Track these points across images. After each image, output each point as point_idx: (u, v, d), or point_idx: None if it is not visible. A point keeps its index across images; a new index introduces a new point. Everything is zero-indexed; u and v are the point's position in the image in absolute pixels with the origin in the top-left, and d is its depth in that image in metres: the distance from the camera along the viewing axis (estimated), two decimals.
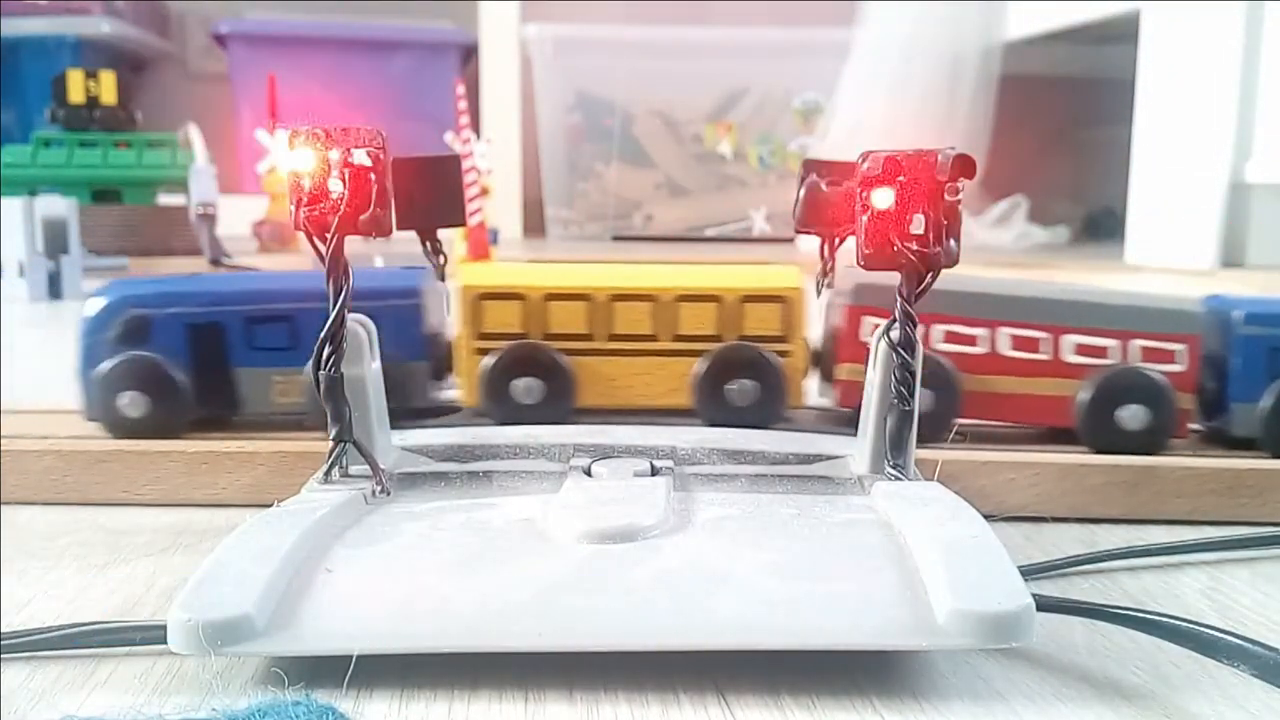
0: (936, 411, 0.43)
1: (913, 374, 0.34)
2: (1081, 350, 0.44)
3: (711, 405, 0.44)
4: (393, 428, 0.41)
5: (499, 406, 0.44)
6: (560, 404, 0.44)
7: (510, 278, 0.44)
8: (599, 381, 0.44)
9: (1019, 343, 0.44)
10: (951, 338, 0.44)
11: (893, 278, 0.43)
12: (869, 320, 0.44)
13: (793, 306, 0.44)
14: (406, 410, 0.44)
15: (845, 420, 0.44)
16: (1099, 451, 0.42)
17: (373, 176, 0.32)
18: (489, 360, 0.44)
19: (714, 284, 0.44)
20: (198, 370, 0.43)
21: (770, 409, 0.44)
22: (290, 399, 0.44)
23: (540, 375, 0.44)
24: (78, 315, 0.44)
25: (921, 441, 0.42)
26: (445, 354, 0.46)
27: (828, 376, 0.46)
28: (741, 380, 0.43)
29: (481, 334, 0.44)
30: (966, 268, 0.34)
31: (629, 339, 0.44)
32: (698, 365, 0.44)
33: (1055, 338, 0.44)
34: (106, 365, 0.43)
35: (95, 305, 0.44)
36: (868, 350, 0.43)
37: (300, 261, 1.49)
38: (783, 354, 0.44)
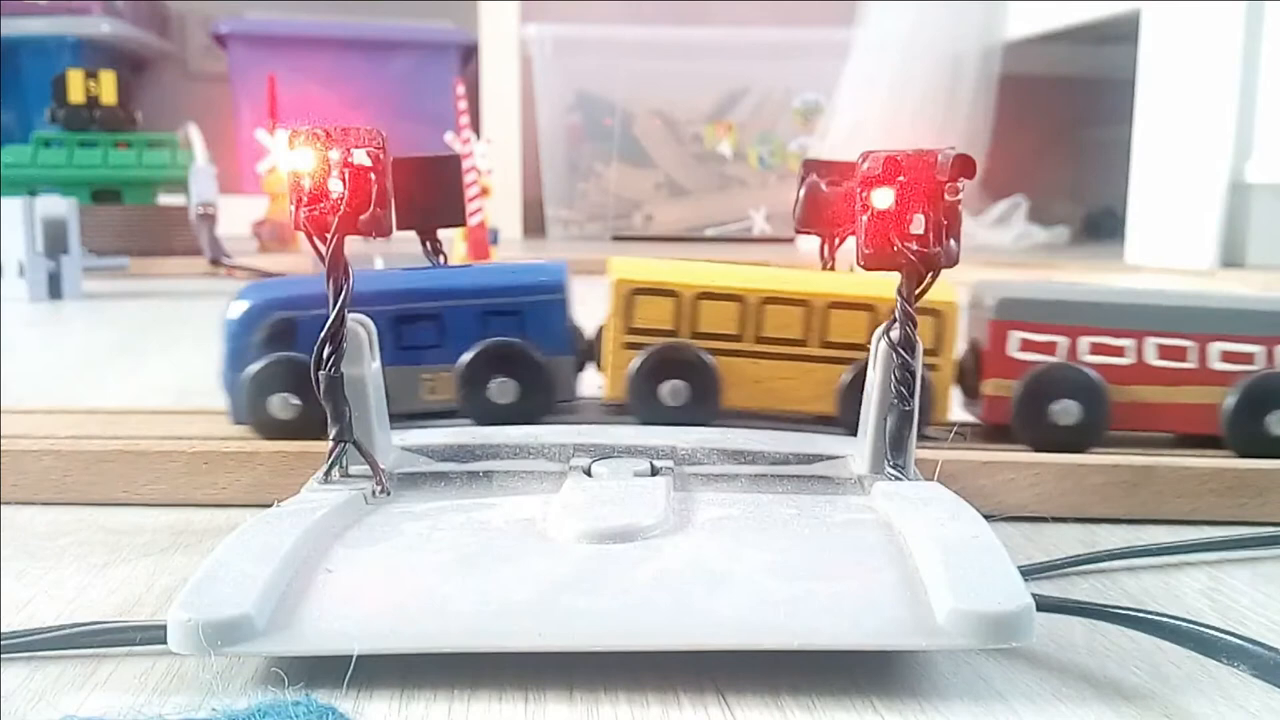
0: (1086, 423, 0.43)
1: (912, 374, 0.34)
2: (1227, 357, 0.44)
3: (857, 415, 0.43)
4: (538, 422, 0.41)
5: (644, 406, 0.43)
6: (706, 405, 0.43)
7: (664, 275, 0.44)
8: (744, 384, 0.44)
9: (1166, 352, 0.44)
10: (1098, 349, 0.44)
11: (1037, 291, 0.42)
12: (1016, 335, 0.44)
13: (945, 321, 0.44)
14: (552, 403, 0.44)
15: (991, 436, 0.44)
16: (1245, 457, 0.42)
17: (373, 176, 0.32)
18: (636, 361, 0.43)
19: (867, 293, 0.44)
20: None
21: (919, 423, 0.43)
22: (439, 396, 0.44)
23: (687, 377, 0.43)
24: (221, 318, 0.44)
25: (1070, 453, 0.42)
26: (585, 347, 0.46)
27: (970, 391, 0.46)
28: None
29: (631, 329, 0.44)
30: (966, 267, 0.34)
31: (777, 342, 0.44)
32: (845, 374, 0.43)
33: (1202, 346, 0.44)
34: (255, 368, 0.42)
35: (239, 308, 0.43)
36: (1015, 365, 0.43)
37: (301, 261, 1.49)
38: (931, 368, 0.43)
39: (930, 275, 0.33)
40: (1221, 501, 0.40)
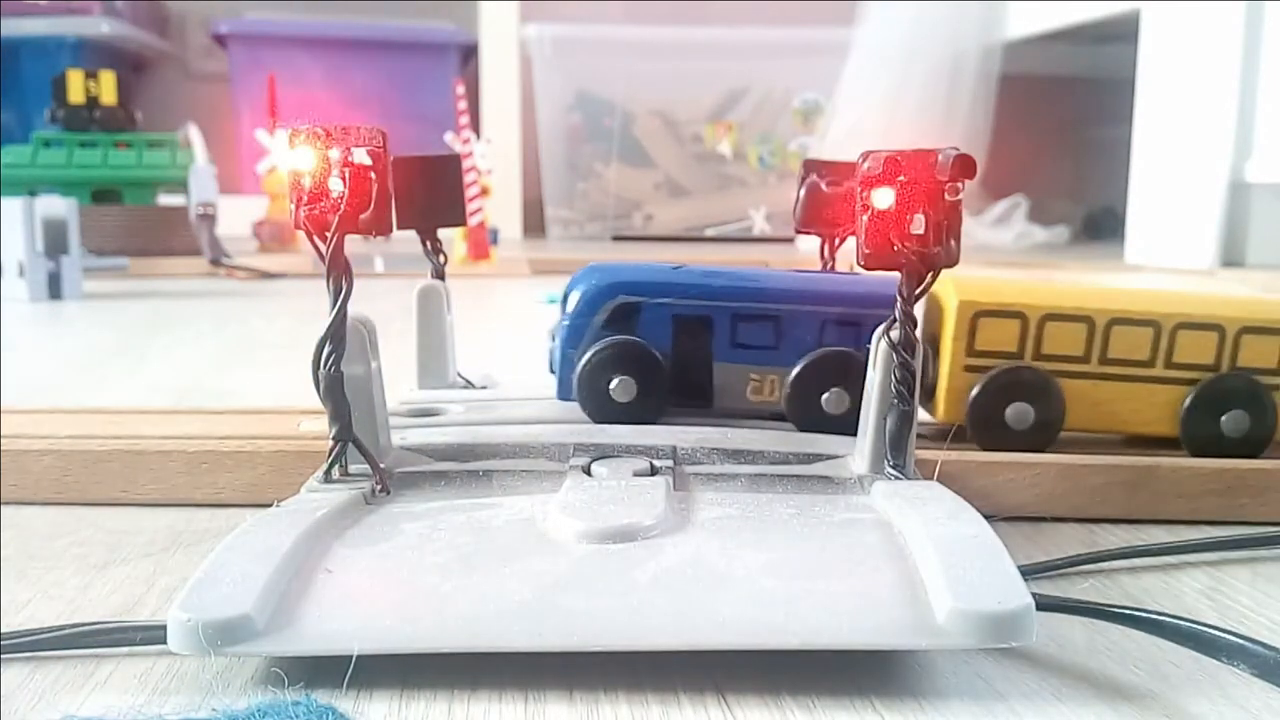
0: None
1: (913, 374, 0.34)
2: None
3: (1200, 438, 0.43)
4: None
5: (985, 430, 0.43)
6: (1049, 429, 0.43)
7: (1009, 295, 0.43)
8: (1084, 406, 0.43)
9: None
10: None
11: None
12: None
13: None
14: None
15: None
16: None
17: (373, 176, 0.32)
18: (978, 385, 0.43)
19: (1215, 312, 0.43)
20: (678, 361, 0.43)
21: (1260, 443, 0.43)
22: (764, 398, 0.43)
23: (1031, 400, 0.43)
24: (563, 299, 0.44)
25: None
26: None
27: None
28: (1234, 411, 0.43)
29: (974, 351, 0.43)
30: (966, 268, 0.34)
31: (1122, 364, 0.43)
32: (1188, 396, 0.43)
33: None
34: (597, 347, 0.42)
35: (583, 288, 0.43)
36: None
37: (300, 261, 1.49)
38: (1275, 388, 0.43)
39: (930, 275, 0.33)
40: (1221, 501, 0.40)
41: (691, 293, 0.43)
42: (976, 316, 0.43)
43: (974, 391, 0.43)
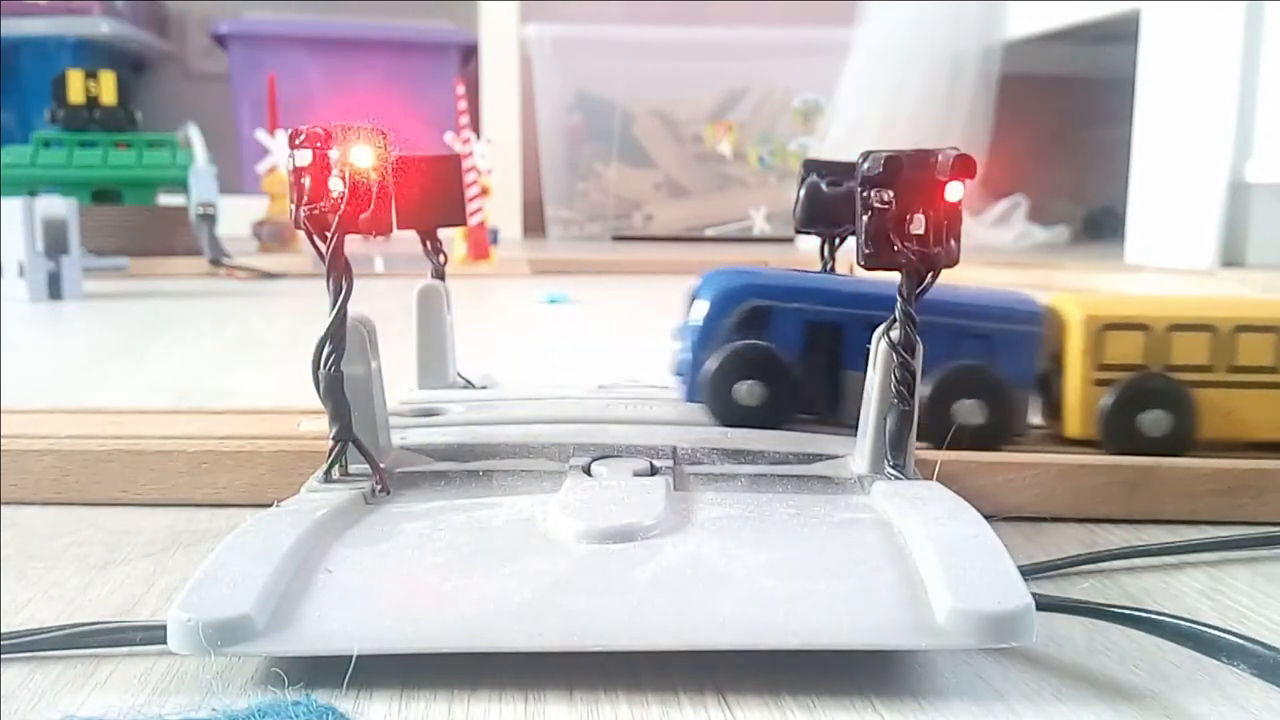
0: None
1: (913, 374, 0.34)
2: None
3: None
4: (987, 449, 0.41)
5: (1121, 440, 0.43)
6: (1185, 436, 0.43)
7: (1133, 308, 0.44)
8: (1213, 414, 0.43)
9: None
10: None
11: None
12: None
13: None
14: (1011, 433, 0.43)
15: None
16: None
17: (373, 175, 0.32)
18: (1110, 397, 0.43)
19: None
20: (807, 368, 0.42)
21: None
22: None
23: (1166, 407, 0.43)
24: (690, 301, 0.43)
25: None
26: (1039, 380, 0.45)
27: None
28: None
29: (1101, 365, 0.43)
30: (966, 268, 0.34)
31: (1249, 371, 0.43)
32: None
33: None
34: (726, 351, 0.42)
35: (714, 291, 0.43)
36: None
37: (300, 261, 1.49)
38: None
39: (930, 275, 0.33)
40: (1221, 501, 0.40)
41: (825, 299, 0.43)
42: (1103, 330, 0.43)
43: (1106, 402, 0.43)
